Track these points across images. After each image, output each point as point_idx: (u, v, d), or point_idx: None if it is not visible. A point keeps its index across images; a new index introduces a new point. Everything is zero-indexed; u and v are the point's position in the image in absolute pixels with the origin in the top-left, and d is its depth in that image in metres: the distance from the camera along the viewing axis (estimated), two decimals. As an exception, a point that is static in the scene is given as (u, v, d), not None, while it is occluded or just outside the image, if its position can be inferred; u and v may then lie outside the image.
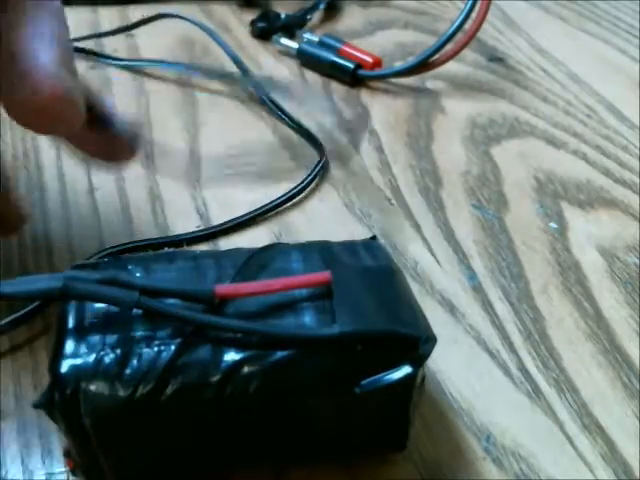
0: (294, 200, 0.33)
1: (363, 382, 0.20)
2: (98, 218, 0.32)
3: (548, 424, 0.25)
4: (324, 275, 0.21)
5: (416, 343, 0.20)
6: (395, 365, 0.20)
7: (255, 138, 0.37)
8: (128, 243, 0.30)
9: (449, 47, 0.40)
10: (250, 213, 0.32)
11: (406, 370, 0.20)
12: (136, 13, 0.45)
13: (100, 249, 0.30)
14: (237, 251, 0.23)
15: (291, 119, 0.38)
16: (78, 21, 0.46)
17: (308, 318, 0.20)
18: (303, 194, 0.34)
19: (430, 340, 0.20)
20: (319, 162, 0.35)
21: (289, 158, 0.36)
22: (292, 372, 0.19)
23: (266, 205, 0.32)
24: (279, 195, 0.33)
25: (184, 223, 0.32)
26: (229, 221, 0.32)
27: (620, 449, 0.24)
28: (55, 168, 0.35)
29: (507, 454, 0.24)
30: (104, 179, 0.34)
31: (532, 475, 0.23)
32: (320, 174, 0.35)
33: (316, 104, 0.38)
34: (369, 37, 0.47)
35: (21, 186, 0.34)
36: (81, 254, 0.30)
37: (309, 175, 0.34)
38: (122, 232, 0.31)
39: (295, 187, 0.33)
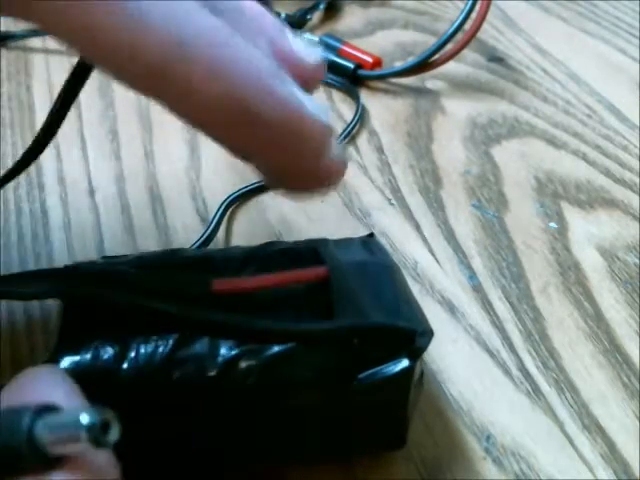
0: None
1: (360, 376, 0.20)
2: (98, 218, 0.32)
3: (548, 424, 0.25)
4: (321, 270, 0.21)
5: (413, 336, 0.20)
6: (392, 358, 0.20)
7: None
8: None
9: (449, 47, 0.40)
10: None
11: (403, 363, 0.20)
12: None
13: (100, 249, 0.30)
14: (236, 249, 0.23)
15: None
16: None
17: (305, 313, 0.20)
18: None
19: (427, 333, 0.20)
20: (357, 108, 0.39)
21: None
22: (289, 366, 0.19)
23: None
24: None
25: (184, 223, 0.32)
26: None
27: (620, 449, 0.24)
28: (55, 169, 0.35)
29: (507, 454, 0.24)
30: (104, 180, 0.34)
31: (532, 475, 0.23)
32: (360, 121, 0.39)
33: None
34: (369, 37, 0.47)
35: (21, 186, 0.34)
36: (81, 254, 0.30)
37: (352, 120, 0.38)
38: (122, 232, 0.31)
39: (342, 133, 0.37)
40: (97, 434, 0.14)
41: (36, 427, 0.14)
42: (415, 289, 0.28)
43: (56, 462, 0.15)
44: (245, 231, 0.32)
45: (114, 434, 0.14)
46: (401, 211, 0.33)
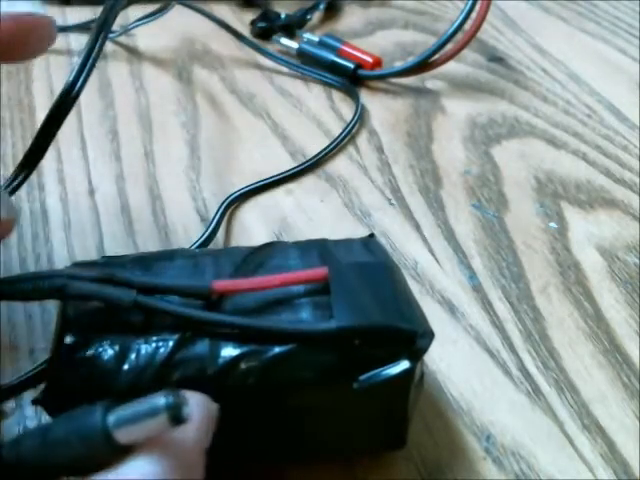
0: (339, 146, 0.37)
1: (361, 377, 0.20)
2: (98, 218, 0.32)
3: (548, 424, 0.25)
4: (321, 271, 0.21)
5: (413, 337, 0.20)
6: (393, 360, 0.20)
7: (257, 139, 0.37)
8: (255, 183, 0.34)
9: (449, 47, 0.40)
10: (303, 163, 0.35)
11: (404, 365, 0.20)
12: (137, 13, 0.45)
13: (100, 249, 0.30)
14: (235, 249, 0.23)
15: (324, 75, 0.42)
16: (78, 21, 0.46)
17: (306, 313, 0.20)
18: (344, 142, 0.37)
19: (427, 334, 0.20)
20: (357, 108, 0.39)
21: (290, 158, 0.36)
22: (290, 367, 0.19)
23: (320, 152, 0.36)
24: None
25: (184, 223, 0.32)
26: (278, 174, 0.34)
27: (620, 449, 0.24)
28: (55, 169, 0.35)
29: (507, 454, 0.24)
30: (104, 180, 0.34)
31: (532, 475, 0.23)
32: (359, 121, 0.39)
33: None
34: (369, 37, 0.47)
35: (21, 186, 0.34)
36: (81, 254, 0.30)
37: (352, 120, 0.38)
38: (122, 232, 0.31)
39: (341, 132, 0.37)
40: (177, 412, 0.15)
41: (108, 419, 0.16)
42: (415, 289, 0.28)
43: (128, 450, 0.16)
44: (245, 231, 0.32)
45: (187, 413, 0.16)
46: (401, 211, 0.33)
